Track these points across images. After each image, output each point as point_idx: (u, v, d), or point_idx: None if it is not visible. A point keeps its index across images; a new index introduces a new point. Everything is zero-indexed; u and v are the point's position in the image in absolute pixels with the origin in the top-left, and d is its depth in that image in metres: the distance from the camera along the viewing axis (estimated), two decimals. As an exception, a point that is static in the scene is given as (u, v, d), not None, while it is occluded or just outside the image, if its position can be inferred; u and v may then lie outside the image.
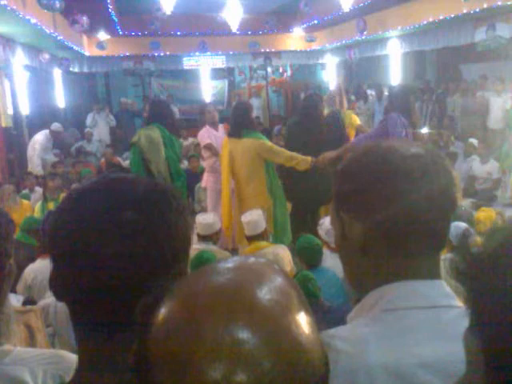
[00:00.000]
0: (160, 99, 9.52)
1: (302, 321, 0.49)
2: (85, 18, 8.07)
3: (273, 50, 13.00)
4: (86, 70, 12.24)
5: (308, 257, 3.34)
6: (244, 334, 0.45)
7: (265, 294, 0.49)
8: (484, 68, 9.81)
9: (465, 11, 7.39)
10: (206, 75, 14.00)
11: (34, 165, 7.80)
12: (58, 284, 0.72)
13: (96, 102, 12.71)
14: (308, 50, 13.33)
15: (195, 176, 6.95)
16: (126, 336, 0.67)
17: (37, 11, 6.50)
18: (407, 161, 0.82)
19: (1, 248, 1.06)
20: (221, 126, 5.68)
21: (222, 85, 14.52)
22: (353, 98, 11.47)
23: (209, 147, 5.36)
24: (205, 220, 4.06)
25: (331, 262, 3.39)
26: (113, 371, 0.69)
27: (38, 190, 6.43)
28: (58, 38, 7.92)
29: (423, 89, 10.68)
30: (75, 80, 13.15)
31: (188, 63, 13.11)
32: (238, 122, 4.61)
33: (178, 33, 11.94)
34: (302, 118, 4.93)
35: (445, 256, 2.35)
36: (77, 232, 0.69)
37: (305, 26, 11.84)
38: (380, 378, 0.76)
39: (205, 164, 5.79)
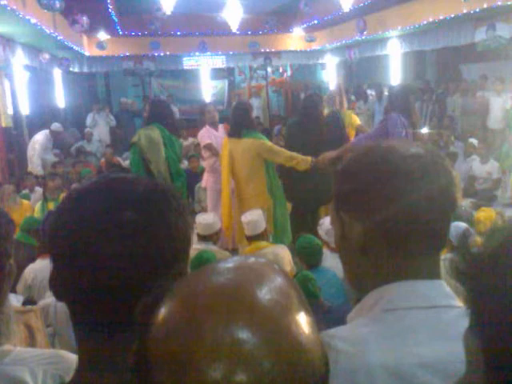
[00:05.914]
0: (160, 99, 9.52)
1: (302, 321, 0.49)
2: (85, 18, 8.07)
3: (273, 49, 13.00)
4: (85, 70, 12.23)
5: (308, 257, 3.34)
6: (244, 334, 0.45)
7: (265, 294, 0.49)
8: (484, 68, 9.80)
9: (465, 11, 7.39)
10: (206, 75, 14.00)
11: (34, 165, 7.80)
12: (58, 284, 0.72)
13: (96, 101, 12.72)
14: (308, 50, 13.33)
15: (195, 176, 6.95)
16: (126, 336, 0.67)
17: (37, 11, 6.50)
18: (407, 161, 0.82)
19: (1, 248, 1.06)
20: (221, 126, 5.68)
21: (222, 85, 14.53)
22: (353, 97, 11.47)
23: (209, 147, 5.36)
24: (205, 220, 4.06)
25: (331, 261, 3.39)
26: (113, 371, 0.69)
27: (38, 189, 6.42)
28: (58, 38, 7.92)
29: (423, 89, 10.66)
30: (75, 80, 13.15)
31: (188, 63, 13.12)
32: (238, 122, 4.61)
33: (178, 33, 11.94)
34: (302, 117, 4.93)
35: (445, 256, 2.35)
36: (77, 232, 0.69)
37: (305, 26, 11.83)
38: (380, 377, 0.76)
39: (205, 164, 5.79)
